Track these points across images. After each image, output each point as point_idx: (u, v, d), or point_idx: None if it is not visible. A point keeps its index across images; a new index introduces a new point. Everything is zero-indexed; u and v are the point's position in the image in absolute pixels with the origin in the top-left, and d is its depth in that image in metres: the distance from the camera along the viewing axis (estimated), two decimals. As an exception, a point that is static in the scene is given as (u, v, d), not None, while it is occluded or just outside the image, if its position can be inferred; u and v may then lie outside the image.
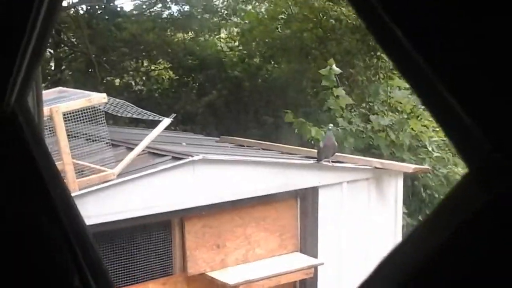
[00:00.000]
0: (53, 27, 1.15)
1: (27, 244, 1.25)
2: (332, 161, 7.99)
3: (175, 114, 8.05)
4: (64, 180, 1.36)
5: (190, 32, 15.02)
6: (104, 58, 14.29)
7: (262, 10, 14.77)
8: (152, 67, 14.90)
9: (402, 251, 0.83)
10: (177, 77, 14.93)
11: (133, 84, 14.67)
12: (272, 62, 14.44)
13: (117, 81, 14.76)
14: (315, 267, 7.55)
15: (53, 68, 14.69)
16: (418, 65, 0.65)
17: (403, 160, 10.45)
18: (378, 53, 12.37)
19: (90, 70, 13.93)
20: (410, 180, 10.59)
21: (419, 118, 11.80)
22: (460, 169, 11.75)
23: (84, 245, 1.28)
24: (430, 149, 11.81)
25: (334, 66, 10.75)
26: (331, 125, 9.02)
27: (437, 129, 12.17)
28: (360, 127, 11.51)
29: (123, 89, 14.15)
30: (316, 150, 8.42)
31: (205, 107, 13.92)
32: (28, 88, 1.23)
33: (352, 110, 11.88)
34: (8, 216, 1.23)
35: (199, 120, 13.56)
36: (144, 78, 14.71)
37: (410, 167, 8.71)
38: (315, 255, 7.71)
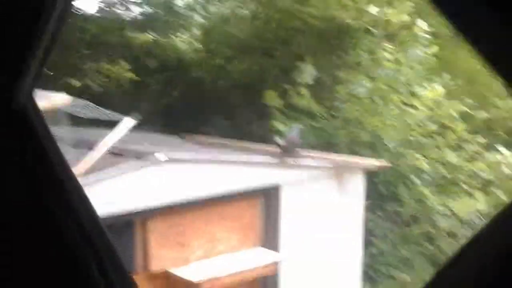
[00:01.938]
0: (63, 29, 1.20)
1: (43, 236, 1.26)
2: (295, 158, 8.08)
3: (138, 115, 8.05)
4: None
5: (151, 33, 14.96)
6: (63, 59, 14.16)
7: (224, 10, 14.79)
8: (112, 69, 14.80)
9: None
10: (137, 78, 14.85)
11: (93, 85, 14.55)
12: (234, 63, 14.46)
13: (76, 82, 14.64)
14: (278, 263, 7.63)
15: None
16: None
17: (362, 156, 10.61)
18: (340, 52, 12.52)
19: (49, 71, 13.78)
20: (370, 176, 10.76)
21: (378, 115, 11.97)
22: (419, 162, 11.96)
23: (100, 236, 1.31)
24: (389, 145, 11.99)
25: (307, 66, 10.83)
26: (299, 125, 9.13)
27: (397, 125, 12.37)
28: (321, 123, 11.64)
29: (83, 90, 14.03)
30: (279, 148, 8.49)
31: (166, 108, 13.90)
32: (36, 85, 1.26)
33: (314, 107, 12.00)
34: (24, 209, 1.25)
35: (160, 120, 13.54)
36: (104, 79, 14.61)
37: (372, 163, 8.85)
38: (277, 252, 7.79)
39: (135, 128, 8.25)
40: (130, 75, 14.28)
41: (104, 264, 1.29)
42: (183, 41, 15.38)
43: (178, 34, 15.40)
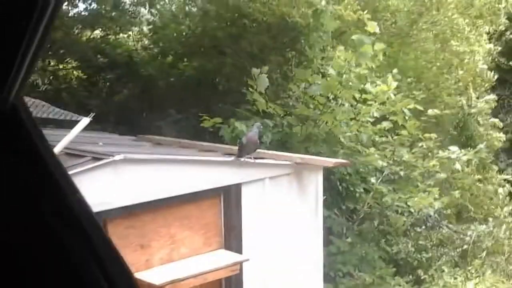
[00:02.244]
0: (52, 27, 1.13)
1: (39, 239, 1.19)
2: (254, 158, 7.97)
3: (93, 114, 7.81)
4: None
5: (99, 30, 14.68)
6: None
7: (174, 8, 14.60)
8: (60, 66, 14.46)
9: None
10: (86, 76, 14.56)
11: (40, 83, 14.19)
12: (185, 60, 14.31)
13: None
14: (240, 264, 7.50)
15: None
16: None
17: (318, 154, 10.56)
18: (292, 50, 12.49)
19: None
20: (327, 174, 10.74)
21: (332, 113, 11.97)
22: (374, 160, 12.01)
23: (99, 236, 1.24)
24: (344, 142, 12.01)
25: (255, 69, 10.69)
26: (258, 123, 9.00)
27: (351, 122, 12.40)
28: (276, 121, 11.57)
29: (30, 88, 13.65)
30: (236, 147, 8.37)
31: (116, 106, 13.64)
32: (25, 85, 1.21)
33: (268, 106, 11.93)
34: (19, 215, 1.19)
35: (111, 119, 13.27)
36: (51, 77, 14.26)
37: (330, 161, 8.82)
38: (240, 252, 7.67)
39: (88, 127, 8.01)
40: (78, 73, 14.01)
41: (107, 268, 1.22)
42: (132, 38, 15.15)
43: (126, 30, 15.14)
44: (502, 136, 17.18)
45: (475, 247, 13.87)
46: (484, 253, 13.67)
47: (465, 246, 13.79)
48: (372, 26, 11.65)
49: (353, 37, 11.74)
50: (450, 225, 14.51)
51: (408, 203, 11.60)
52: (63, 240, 1.18)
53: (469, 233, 13.91)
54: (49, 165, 1.19)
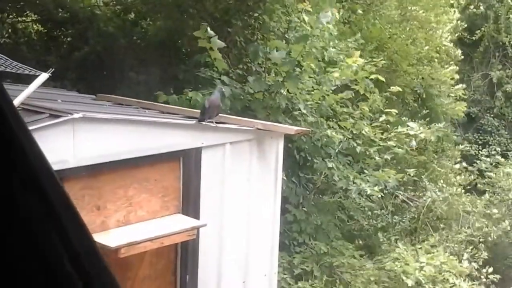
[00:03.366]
0: None
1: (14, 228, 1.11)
2: (216, 122, 7.88)
3: (52, 69, 7.59)
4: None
5: (60, -17, 14.28)
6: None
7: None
8: (19, 19, 14.05)
9: None
10: (45, 30, 14.19)
11: (-2, 36, 13.79)
12: (148, 19, 14.05)
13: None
14: (198, 229, 7.45)
15: None
16: None
17: (279, 123, 10.53)
18: (256, 14, 12.33)
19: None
20: (285, 142, 10.72)
21: (294, 80, 11.90)
22: (333, 133, 12.03)
23: (77, 230, 1.16)
24: (304, 112, 11.97)
25: (209, 29, 10.45)
26: (220, 87, 8.87)
27: (312, 92, 12.38)
28: (237, 88, 11.47)
29: (-13, 41, 13.29)
30: (198, 110, 8.27)
31: (76, 63, 13.34)
32: None
33: (230, 71, 11.80)
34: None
35: (71, 76, 12.98)
36: (10, 30, 13.86)
37: (292, 128, 8.79)
38: (197, 217, 7.61)
39: (47, 83, 7.81)
40: (38, 27, 13.63)
41: (81, 259, 1.15)
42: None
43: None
44: (463, 104, 17.38)
45: (430, 214, 14.16)
46: (438, 222, 13.99)
47: (420, 213, 14.07)
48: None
49: (320, 14, 11.68)
50: (405, 193, 14.73)
51: (364, 177, 11.65)
52: (18, 200, 1.10)
53: (424, 199, 14.20)
54: (9, 119, 1.10)
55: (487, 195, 15.97)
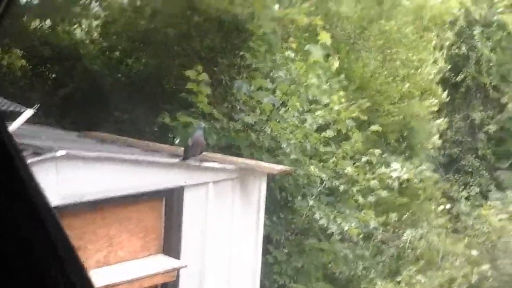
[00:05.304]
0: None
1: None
2: (199, 160, 7.89)
3: (38, 105, 7.59)
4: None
5: (47, 21, 14.32)
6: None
7: (125, 1, 14.35)
8: (4, 56, 14.05)
9: None
10: (30, 66, 14.20)
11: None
12: (134, 57, 14.10)
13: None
14: (178, 270, 7.42)
15: None
16: None
17: (262, 161, 10.55)
18: (241, 52, 12.44)
19: None
20: (268, 181, 10.75)
21: (277, 120, 11.99)
22: (316, 170, 12.06)
23: (61, 236, 1.20)
24: (287, 150, 12.02)
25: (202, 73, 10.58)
26: (203, 123, 8.89)
27: (295, 131, 12.45)
28: (223, 124, 11.49)
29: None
30: (183, 148, 8.28)
31: (61, 100, 13.32)
32: None
33: (216, 109, 11.85)
34: None
35: (56, 113, 12.95)
36: (-6, 66, 13.86)
37: (274, 167, 8.81)
38: (178, 257, 7.58)
39: (31, 120, 7.80)
40: (23, 62, 13.64)
41: (65, 266, 1.19)
42: (82, 31, 14.84)
43: (76, 23, 14.82)
44: (438, 141, 17.54)
45: (409, 252, 14.18)
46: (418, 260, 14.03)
47: (400, 252, 14.08)
48: (325, 36, 11.69)
49: (307, 47, 11.80)
50: (386, 234, 14.76)
51: (346, 218, 11.66)
52: (19, 227, 1.15)
53: (403, 238, 14.23)
54: (10, 151, 1.15)
55: (466, 240, 16.04)
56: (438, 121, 18.43)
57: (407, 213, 14.80)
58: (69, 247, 1.21)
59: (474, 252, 14.96)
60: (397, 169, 12.81)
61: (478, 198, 18.34)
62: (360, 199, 12.40)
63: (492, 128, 22.97)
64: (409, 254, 14.29)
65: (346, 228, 11.25)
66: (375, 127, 13.27)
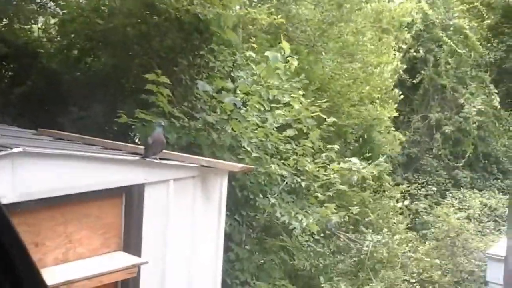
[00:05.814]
0: None
1: None
2: (160, 158, 7.83)
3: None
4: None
5: (4, 19, 14.08)
6: None
7: (83, 0, 14.17)
8: (-41, 53, 13.78)
9: None
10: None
11: None
12: (92, 56, 13.95)
13: None
14: (138, 266, 7.33)
15: None
16: None
17: (223, 160, 10.53)
18: (202, 52, 12.39)
19: None
20: (230, 179, 10.73)
21: (238, 120, 11.99)
22: (277, 168, 12.09)
23: (7, 231, 1.14)
24: (249, 149, 12.04)
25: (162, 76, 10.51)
26: (162, 121, 8.80)
27: (256, 130, 12.47)
28: (184, 122, 11.44)
29: None
30: (142, 146, 8.21)
31: (19, 98, 13.12)
32: None
33: (176, 108, 11.78)
34: None
35: (13, 111, 12.74)
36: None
37: (236, 166, 8.78)
38: (138, 254, 7.50)
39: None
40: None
41: (11, 261, 1.14)
42: (39, 30, 14.63)
43: (33, 20, 14.60)
44: (398, 146, 17.82)
45: (370, 257, 14.28)
46: (380, 264, 14.11)
47: (362, 256, 14.16)
48: (286, 46, 11.99)
49: (267, 53, 11.90)
50: (347, 234, 14.85)
51: (306, 215, 11.71)
52: None
53: (366, 243, 14.31)
54: None
55: (427, 242, 16.25)
56: (396, 132, 18.72)
57: (367, 209, 14.91)
58: (18, 245, 1.16)
59: (433, 249, 15.16)
60: (357, 164, 12.93)
61: (436, 196, 18.58)
62: (320, 195, 12.48)
63: (449, 128, 23.32)
64: (369, 251, 14.39)
65: (305, 224, 11.28)
66: (330, 119, 13.40)
